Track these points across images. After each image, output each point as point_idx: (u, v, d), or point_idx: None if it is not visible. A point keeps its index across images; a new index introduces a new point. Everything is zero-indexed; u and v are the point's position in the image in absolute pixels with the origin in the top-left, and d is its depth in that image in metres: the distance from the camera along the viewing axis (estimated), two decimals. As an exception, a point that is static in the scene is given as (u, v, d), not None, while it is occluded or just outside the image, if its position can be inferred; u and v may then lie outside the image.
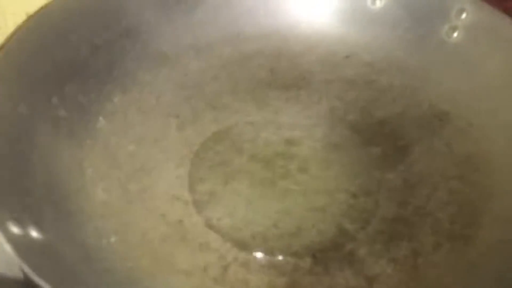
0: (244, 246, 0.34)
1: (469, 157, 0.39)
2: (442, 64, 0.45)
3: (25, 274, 0.23)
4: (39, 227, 0.28)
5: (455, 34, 0.45)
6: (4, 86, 0.33)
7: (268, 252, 0.34)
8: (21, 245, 0.25)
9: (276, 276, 0.33)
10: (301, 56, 0.48)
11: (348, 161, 0.40)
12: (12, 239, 0.25)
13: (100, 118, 0.40)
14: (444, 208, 0.36)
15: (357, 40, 0.48)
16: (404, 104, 0.44)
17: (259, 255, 0.34)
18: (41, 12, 0.39)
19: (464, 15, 0.44)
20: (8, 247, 0.24)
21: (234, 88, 0.45)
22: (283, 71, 0.47)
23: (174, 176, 0.38)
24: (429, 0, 0.46)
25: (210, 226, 0.35)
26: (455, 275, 0.32)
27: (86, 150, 0.37)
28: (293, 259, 0.34)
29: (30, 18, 0.39)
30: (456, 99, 0.43)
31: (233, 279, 0.32)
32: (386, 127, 0.43)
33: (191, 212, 0.36)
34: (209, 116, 0.43)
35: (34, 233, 0.27)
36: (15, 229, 0.25)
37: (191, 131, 0.42)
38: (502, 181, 0.36)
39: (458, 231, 0.34)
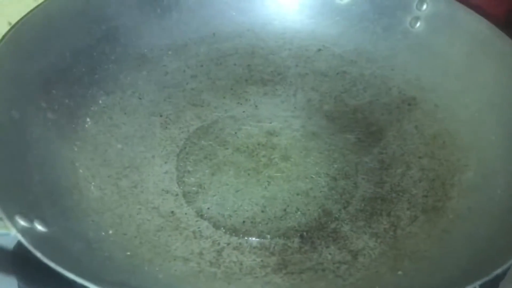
0: (235, 231, 0.36)
1: (436, 137, 0.42)
2: (408, 52, 0.48)
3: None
4: (43, 222, 0.29)
5: (418, 24, 0.48)
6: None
7: (258, 235, 0.36)
8: (30, 236, 0.26)
9: (268, 256, 0.35)
10: (275, 52, 0.50)
11: (326, 148, 0.43)
12: (22, 231, 0.26)
13: (87, 119, 0.42)
14: (417, 184, 0.39)
15: (328, 35, 0.51)
16: (374, 92, 0.47)
17: (250, 238, 0.36)
18: (23, 21, 0.40)
19: (425, 6, 0.48)
20: (20, 238, 0.25)
21: (213, 86, 0.47)
22: (259, 67, 0.49)
23: (162, 171, 0.40)
24: (392, -7, 0.49)
25: (201, 215, 0.37)
26: (431, 242, 0.34)
27: (76, 150, 0.39)
28: (282, 240, 0.36)
29: (13, 28, 0.40)
30: (422, 84, 0.46)
31: (228, 261, 0.34)
32: (359, 114, 0.46)
33: (181, 204, 0.38)
34: (191, 113, 0.45)
35: (39, 227, 0.29)
36: (22, 223, 0.27)
37: (174, 128, 0.44)
38: (466, 155, 0.39)
39: (431, 204, 0.37)
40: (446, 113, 0.43)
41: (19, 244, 0.27)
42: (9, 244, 0.35)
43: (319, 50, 0.50)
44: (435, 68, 0.46)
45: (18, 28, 0.40)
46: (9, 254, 0.29)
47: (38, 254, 0.24)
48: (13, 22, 0.41)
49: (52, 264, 0.24)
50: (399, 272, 0.33)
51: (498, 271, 0.27)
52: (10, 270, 0.33)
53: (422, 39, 0.48)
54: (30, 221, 0.28)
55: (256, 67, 0.49)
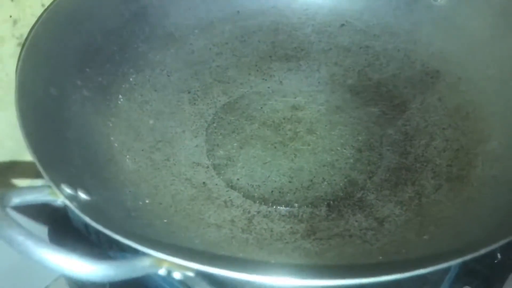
0: (264, 200, 0.38)
1: (460, 108, 0.43)
2: (431, 26, 0.48)
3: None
4: (86, 191, 0.31)
5: (441, -3, 0.48)
6: (36, 72, 0.36)
7: (287, 204, 0.38)
8: (76, 203, 0.28)
9: (296, 223, 0.36)
10: (299, 28, 0.51)
11: (350, 121, 0.44)
12: (68, 198, 0.28)
13: (120, 96, 0.43)
14: (441, 154, 0.40)
15: (350, 10, 0.51)
16: (397, 66, 0.48)
17: (279, 207, 0.38)
18: (56, 3, 0.42)
19: (447, -21, 0.48)
20: (68, 203, 0.27)
21: (238, 62, 0.49)
22: (283, 43, 0.50)
23: (193, 145, 0.42)
24: (415, -34, 0.49)
25: (231, 186, 0.39)
26: (455, 209, 0.35)
27: (111, 126, 0.41)
28: (309, 209, 0.38)
29: (47, 9, 0.41)
30: (445, 57, 0.47)
31: (259, 228, 0.36)
32: (383, 88, 0.46)
33: (212, 175, 0.40)
34: (218, 89, 0.46)
35: (83, 195, 0.30)
36: (68, 191, 0.29)
37: (202, 104, 0.45)
38: (490, 126, 0.40)
39: (455, 172, 0.38)
40: (470, 85, 0.44)
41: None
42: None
43: (342, 25, 0.51)
44: (458, 41, 0.46)
45: (51, 10, 0.41)
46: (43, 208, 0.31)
47: (87, 219, 0.26)
48: (47, 4, 0.43)
49: (100, 228, 0.26)
50: (425, 237, 0.34)
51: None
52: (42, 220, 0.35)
53: (444, 12, 0.48)
54: (74, 189, 0.30)
55: (280, 43, 0.50)
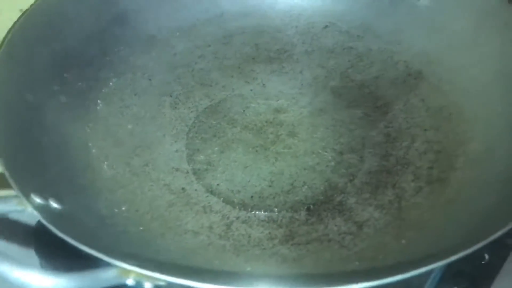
0: (244, 205, 0.38)
1: (442, 109, 0.42)
2: (414, 27, 0.48)
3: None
4: (58, 199, 0.31)
5: (424, -2, 0.48)
6: (10, 77, 0.36)
7: (266, 208, 0.37)
8: (46, 213, 0.28)
9: (275, 229, 0.36)
10: (282, 30, 0.51)
11: (333, 123, 0.44)
12: (37, 208, 0.28)
13: (99, 101, 0.43)
14: (423, 157, 0.40)
15: (334, 11, 0.51)
16: (380, 67, 0.47)
17: (258, 212, 0.37)
18: (34, 7, 0.41)
19: (430, -21, 0.47)
20: (36, 213, 0.27)
21: (221, 65, 0.48)
22: (266, 45, 0.50)
23: (172, 150, 0.41)
24: (397, -33, 0.48)
25: (211, 191, 0.39)
26: (434, 212, 0.35)
27: (89, 131, 0.40)
28: (289, 213, 0.37)
29: (25, 14, 0.41)
30: (428, 58, 0.46)
31: (237, 234, 0.35)
32: (366, 89, 0.46)
33: (192, 180, 0.39)
34: (200, 92, 0.46)
35: (54, 204, 0.30)
36: (38, 200, 0.28)
37: (184, 108, 0.45)
38: (472, 127, 0.40)
39: (436, 175, 0.38)
40: (453, 86, 0.43)
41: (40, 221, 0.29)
42: (31, 220, 0.37)
43: (326, 26, 0.51)
44: (441, 42, 0.46)
45: (29, 14, 0.41)
46: (31, 230, 0.31)
47: (53, 229, 0.26)
48: (25, 8, 0.42)
49: (66, 238, 0.25)
50: (403, 241, 0.33)
51: (497, 235, 0.27)
52: (31, 244, 0.35)
53: (427, 13, 0.48)
54: (45, 199, 0.29)
55: (263, 45, 0.50)
